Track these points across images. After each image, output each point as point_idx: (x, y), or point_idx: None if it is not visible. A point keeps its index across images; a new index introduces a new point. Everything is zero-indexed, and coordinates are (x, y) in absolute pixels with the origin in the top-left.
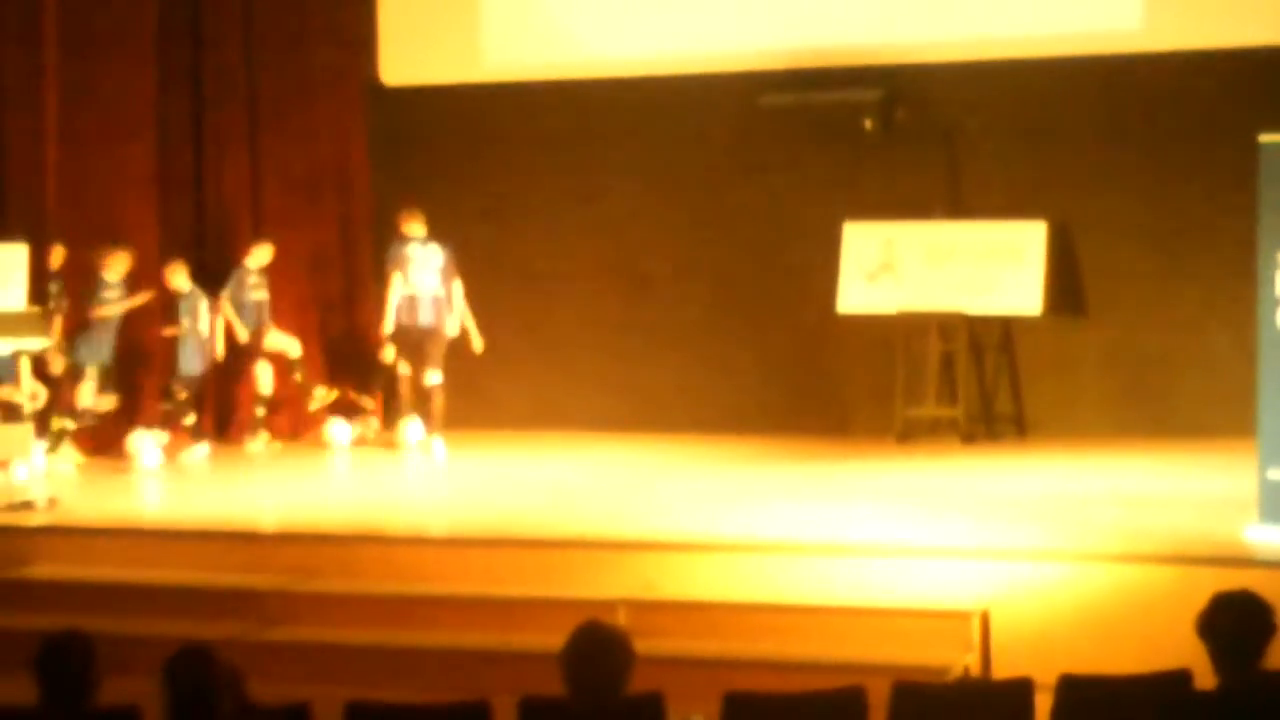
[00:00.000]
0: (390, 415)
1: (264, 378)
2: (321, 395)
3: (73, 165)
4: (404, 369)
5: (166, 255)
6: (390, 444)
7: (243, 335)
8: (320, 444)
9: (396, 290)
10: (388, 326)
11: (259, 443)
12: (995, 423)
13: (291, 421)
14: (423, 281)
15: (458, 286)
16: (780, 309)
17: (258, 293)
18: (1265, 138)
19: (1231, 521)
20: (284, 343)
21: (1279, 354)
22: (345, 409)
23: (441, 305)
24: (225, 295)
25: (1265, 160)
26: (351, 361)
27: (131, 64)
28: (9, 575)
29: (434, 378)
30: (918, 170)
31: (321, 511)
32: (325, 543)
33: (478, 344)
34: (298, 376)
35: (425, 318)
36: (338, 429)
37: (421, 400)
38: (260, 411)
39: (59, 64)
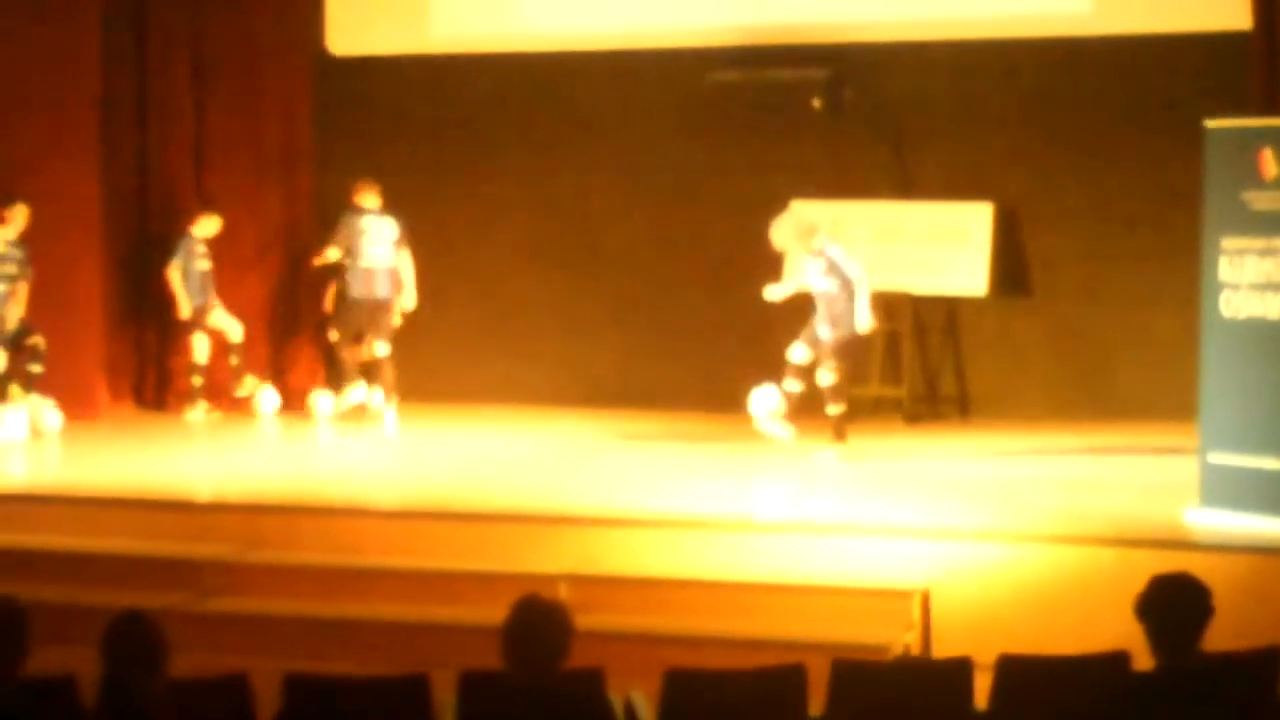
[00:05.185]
0: (333, 387)
1: (199, 347)
2: (252, 384)
3: (13, 131)
4: (335, 336)
5: (110, 223)
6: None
7: (185, 311)
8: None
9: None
10: (328, 304)
11: (198, 412)
12: (939, 403)
13: (218, 403)
14: (377, 254)
15: (407, 258)
16: (726, 286)
17: (204, 262)
18: (1211, 122)
19: (1172, 504)
20: (226, 324)
21: (1222, 338)
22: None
23: (395, 278)
24: (175, 264)
25: (1211, 145)
26: (295, 337)
27: (76, 30)
28: None
29: (382, 349)
30: (865, 150)
31: (262, 482)
32: (265, 513)
33: (410, 300)
34: (233, 360)
35: (381, 290)
36: (266, 398)
37: (370, 372)
38: (197, 381)
39: (0, 29)
